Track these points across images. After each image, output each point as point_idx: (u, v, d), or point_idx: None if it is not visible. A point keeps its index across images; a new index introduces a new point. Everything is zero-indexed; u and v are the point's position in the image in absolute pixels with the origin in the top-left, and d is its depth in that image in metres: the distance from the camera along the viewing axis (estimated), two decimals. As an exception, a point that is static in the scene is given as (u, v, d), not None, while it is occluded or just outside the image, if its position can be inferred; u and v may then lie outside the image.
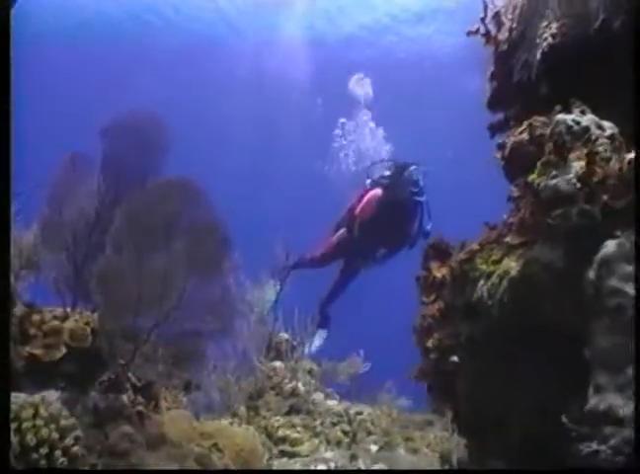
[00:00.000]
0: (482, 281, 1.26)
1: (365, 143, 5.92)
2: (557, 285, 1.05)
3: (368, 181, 4.56)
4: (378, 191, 4.32)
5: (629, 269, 0.88)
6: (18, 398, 1.84)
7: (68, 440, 1.80)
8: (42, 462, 1.75)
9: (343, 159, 6.04)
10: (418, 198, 4.33)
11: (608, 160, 0.98)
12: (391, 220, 4.27)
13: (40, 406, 1.81)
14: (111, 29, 10.43)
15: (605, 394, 0.85)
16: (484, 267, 1.28)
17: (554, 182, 1.04)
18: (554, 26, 1.91)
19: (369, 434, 3.64)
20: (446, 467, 3.10)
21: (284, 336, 4.09)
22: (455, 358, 1.40)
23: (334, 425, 3.63)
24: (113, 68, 10.61)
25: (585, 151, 1.01)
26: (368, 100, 6.09)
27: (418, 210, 4.39)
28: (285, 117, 11.40)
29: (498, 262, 1.25)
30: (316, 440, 3.45)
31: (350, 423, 3.67)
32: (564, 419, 0.88)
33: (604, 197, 0.95)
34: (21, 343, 2.19)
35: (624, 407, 0.82)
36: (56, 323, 2.23)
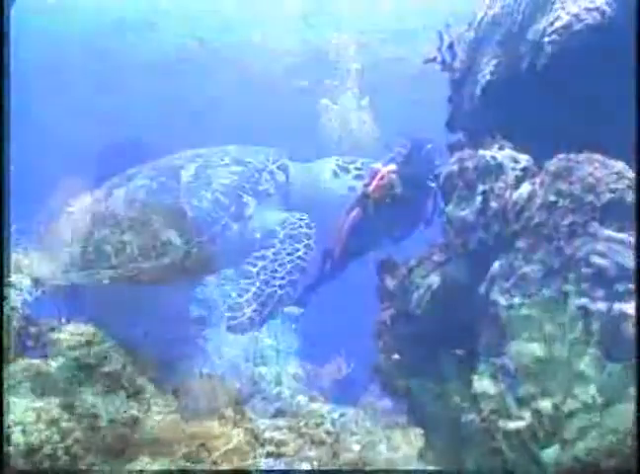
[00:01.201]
0: (416, 292, 1.50)
1: (351, 119, 5.64)
2: (462, 297, 1.29)
3: (381, 162, 4.44)
4: (393, 167, 4.08)
5: (505, 284, 1.12)
6: (21, 404, 2.03)
7: (68, 441, 1.99)
8: (46, 461, 1.94)
9: (332, 137, 5.65)
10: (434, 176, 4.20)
11: (502, 196, 1.21)
12: (408, 198, 4.05)
13: (42, 411, 2.00)
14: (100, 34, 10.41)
15: (482, 379, 1.09)
16: (418, 280, 1.51)
17: (462, 213, 1.27)
18: (492, 63, 2.15)
19: (353, 434, 3.79)
20: (422, 462, 3.30)
21: (269, 341, 4.23)
22: (397, 356, 1.63)
23: (317, 426, 3.77)
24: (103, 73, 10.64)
25: (482, 188, 1.25)
26: (351, 66, 5.90)
27: (434, 188, 4.29)
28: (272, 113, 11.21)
29: (427, 276, 1.49)
30: (300, 441, 3.60)
31: (333, 424, 3.82)
32: (457, 399, 1.12)
33: (496, 228, 1.19)
34: (20, 354, 2.35)
35: (493, 387, 1.07)
36: (53, 334, 2.38)
